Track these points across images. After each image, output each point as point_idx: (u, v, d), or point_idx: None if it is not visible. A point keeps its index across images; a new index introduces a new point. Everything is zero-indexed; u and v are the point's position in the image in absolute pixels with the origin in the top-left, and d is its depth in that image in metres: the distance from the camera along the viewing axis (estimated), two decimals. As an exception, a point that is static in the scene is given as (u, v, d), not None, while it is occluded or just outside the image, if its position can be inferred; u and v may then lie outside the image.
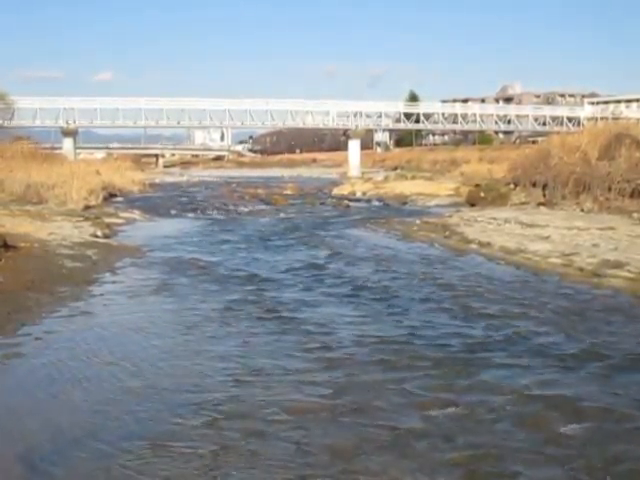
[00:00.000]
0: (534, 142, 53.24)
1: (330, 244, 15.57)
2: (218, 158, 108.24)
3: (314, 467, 4.49)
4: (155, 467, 4.50)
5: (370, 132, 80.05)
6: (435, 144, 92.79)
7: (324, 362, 6.63)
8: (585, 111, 75.70)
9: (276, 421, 5.20)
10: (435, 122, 73.53)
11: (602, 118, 49.88)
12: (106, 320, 8.41)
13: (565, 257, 12.03)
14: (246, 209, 26.18)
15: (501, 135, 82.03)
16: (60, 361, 6.72)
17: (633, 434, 4.91)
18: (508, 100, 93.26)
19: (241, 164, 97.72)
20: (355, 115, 68.16)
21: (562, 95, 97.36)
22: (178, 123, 66.61)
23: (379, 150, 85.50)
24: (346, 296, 9.76)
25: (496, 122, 74.48)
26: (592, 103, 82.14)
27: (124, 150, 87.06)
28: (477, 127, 75.12)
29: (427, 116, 72.60)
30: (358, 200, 30.87)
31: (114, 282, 10.72)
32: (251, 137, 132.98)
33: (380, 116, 70.92)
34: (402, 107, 73.38)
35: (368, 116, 69.38)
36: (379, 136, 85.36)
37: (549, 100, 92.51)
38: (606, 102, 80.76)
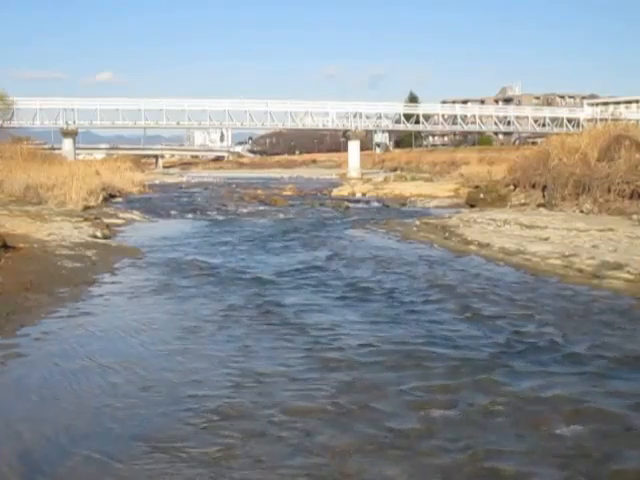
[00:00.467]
0: (534, 143, 53.28)
1: (330, 245, 15.57)
2: (218, 159, 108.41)
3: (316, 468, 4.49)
4: (155, 467, 4.49)
5: (370, 133, 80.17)
6: (435, 145, 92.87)
7: (325, 363, 6.62)
8: (585, 112, 75.87)
9: (277, 422, 5.20)
10: (435, 123, 73.67)
11: (602, 119, 49.97)
12: (105, 321, 8.39)
13: (565, 258, 12.02)
14: (246, 210, 26.18)
15: (501, 136, 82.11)
16: (59, 362, 6.71)
17: (633, 434, 4.91)
18: (508, 101, 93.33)
19: (241, 165, 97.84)
20: (355, 116, 68.27)
21: (562, 96, 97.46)
22: (178, 124, 66.73)
23: (379, 151, 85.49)
24: (346, 298, 9.74)
25: (496, 123, 74.60)
26: (592, 104, 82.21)
27: (124, 151, 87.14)
28: (477, 128, 75.27)
29: (427, 117, 72.72)
30: (357, 201, 30.90)
31: (113, 283, 10.71)
32: (250, 138, 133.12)
33: (380, 117, 71.06)
34: (402, 108, 73.53)
35: (368, 117, 69.50)
36: (379, 137, 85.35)
37: (549, 101, 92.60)
38: (606, 103, 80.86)
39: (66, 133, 60.39)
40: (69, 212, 19.93)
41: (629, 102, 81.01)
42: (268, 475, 4.41)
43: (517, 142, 75.67)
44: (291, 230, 18.99)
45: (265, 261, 13.35)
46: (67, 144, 59.92)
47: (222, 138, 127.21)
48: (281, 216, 23.58)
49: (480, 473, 4.42)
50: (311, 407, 5.49)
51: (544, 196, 21.51)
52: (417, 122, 72.02)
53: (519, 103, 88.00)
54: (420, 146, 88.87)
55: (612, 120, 42.50)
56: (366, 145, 79.36)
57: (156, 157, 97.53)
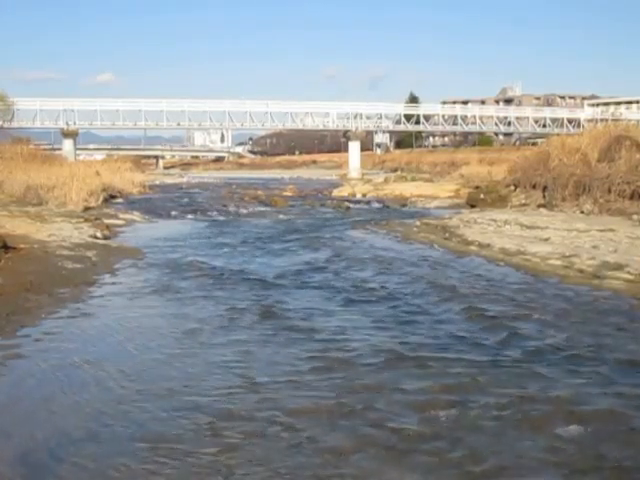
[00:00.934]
0: (534, 144, 53.23)
1: (330, 246, 15.56)
2: (218, 159, 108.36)
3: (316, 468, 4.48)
4: (155, 468, 4.49)
5: (370, 134, 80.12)
6: (435, 146, 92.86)
7: (326, 364, 6.62)
8: (585, 113, 75.92)
9: (278, 423, 5.20)
10: (435, 124, 73.69)
11: (602, 120, 49.98)
12: (106, 322, 8.39)
13: (565, 259, 12.02)
14: (246, 211, 26.17)
15: (501, 137, 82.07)
16: (59, 362, 6.71)
17: (633, 435, 4.91)
18: (508, 102, 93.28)
19: (241, 165, 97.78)
20: (355, 117, 68.30)
21: (562, 97, 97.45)
22: (178, 124, 66.75)
23: (379, 152, 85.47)
24: (347, 298, 9.73)
25: (496, 124, 74.64)
26: (592, 105, 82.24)
27: (124, 151, 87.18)
28: (477, 129, 75.32)
29: (427, 118, 72.75)
30: (358, 202, 30.89)
31: (114, 284, 10.70)
32: (251, 139, 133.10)
33: (380, 117, 71.08)
34: (402, 109, 73.55)
35: (368, 118, 69.54)
36: (379, 138, 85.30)
37: (549, 102, 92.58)
38: (606, 104, 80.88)
39: (66, 134, 60.42)
40: (69, 213, 19.94)
41: (630, 102, 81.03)
42: (268, 475, 4.41)
43: (517, 143, 75.63)
44: (292, 231, 18.99)
45: (266, 262, 13.35)
46: (67, 145, 59.95)
47: (222, 139, 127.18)
48: (281, 217, 23.57)
49: (481, 474, 4.42)
50: (313, 408, 5.49)
51: (544, 196, 21.51)
52: (417, 123, 72.04)
53: (519, 103, 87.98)
54: (420, 147, 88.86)
55: (612, 120, 42.57)
56: (366, 146, 79.34)
57: (156, 158, 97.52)
